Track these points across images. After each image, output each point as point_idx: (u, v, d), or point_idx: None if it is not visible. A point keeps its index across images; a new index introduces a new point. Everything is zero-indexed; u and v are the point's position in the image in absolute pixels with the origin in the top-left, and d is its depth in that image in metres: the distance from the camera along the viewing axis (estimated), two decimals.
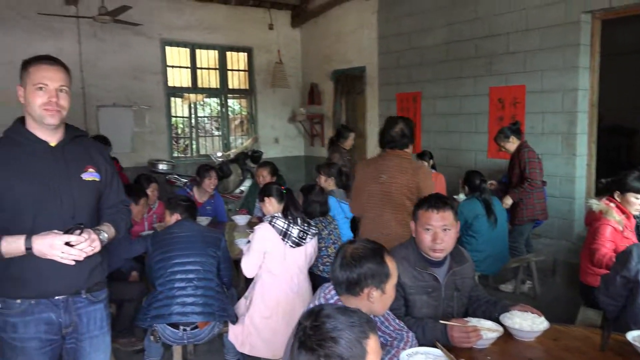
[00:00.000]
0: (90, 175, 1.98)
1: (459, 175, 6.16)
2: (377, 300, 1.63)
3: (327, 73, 8.64)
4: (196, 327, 2.98)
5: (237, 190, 7.64)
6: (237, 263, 3.53)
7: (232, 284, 3.52)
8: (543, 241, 5.43)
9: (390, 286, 1.66)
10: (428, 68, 6.74)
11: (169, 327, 2.96)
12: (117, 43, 7.46)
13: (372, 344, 1.17)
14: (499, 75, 5.87)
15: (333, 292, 1.72)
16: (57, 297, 1.91)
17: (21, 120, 1.95)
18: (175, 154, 8.64)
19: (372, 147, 7.89)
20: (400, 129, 3.16)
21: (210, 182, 4.71)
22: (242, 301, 3.27)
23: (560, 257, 5.21)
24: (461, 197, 5.07)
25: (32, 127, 1.92)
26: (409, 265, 2.16)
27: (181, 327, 2.95)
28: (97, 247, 1.81)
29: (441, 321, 1.97)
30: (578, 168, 5.26)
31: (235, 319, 3.10)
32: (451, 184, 5.79)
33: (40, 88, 1.85)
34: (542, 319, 2.07)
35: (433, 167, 5.79)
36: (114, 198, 2.10)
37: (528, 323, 2.03)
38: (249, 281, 3.41)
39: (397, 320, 1.88)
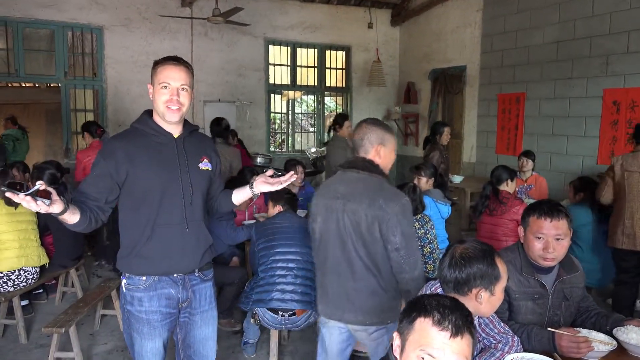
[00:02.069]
0: (205, 165, 2.16)
1: (562, 181, 5.85)
2: (485, 302, 1.63)
3: (425, 72, 8.52)
4: (294, 314, 3.12)
5: None
6: None
7: None
8: None
9: (500, 288, 1.64)
10: (535, 68, 6.43)
11: (269, 312, 3.13)
12: (225, 42, 7.91)
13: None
14: (615, 76, 5.47)
15: (440, 290, 1.74)
16: (176, 275, 2.10)
17: (148, 114, 2.12)
18: (272, 148, 8.99)
19: (469, 148, 7.68)
20: None
21: (297, 178, 4.84)
22: None
23: None
24: (564, 202, 4.80)
25: (158, 120, 2.08)
26: (515, 269, 2.11)
27: (280, 313, 3.11)
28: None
29: (550, 329, 1.91)
30: None
31: None
32: (552, 189, 5.50)
33: (165, 87, 2.00)
34: None
35: (533, 169, 5.54)
36: (219, 187, 2.30)
37: None
38: None
39: (502, 324, 1.86)
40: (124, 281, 2.10)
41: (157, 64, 2.06)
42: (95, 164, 2.01)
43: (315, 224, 2.29)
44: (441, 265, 1.72)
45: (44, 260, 3.96)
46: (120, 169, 1.97)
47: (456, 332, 1.19)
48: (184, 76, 2.03)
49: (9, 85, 9.21)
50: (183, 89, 2.02)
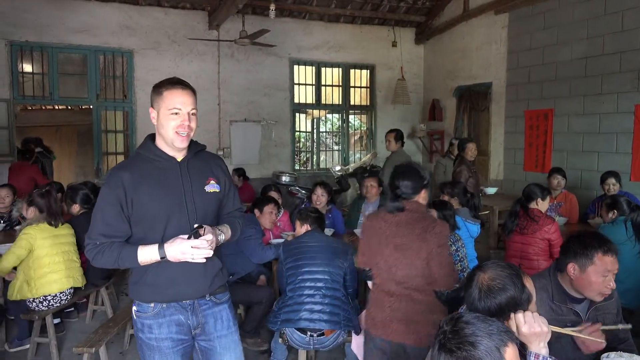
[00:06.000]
0: (211, 187, 2.08)
1: (593, 199, 5.70)
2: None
3: (450, 89, 8.50)
4: (322, 334, 3.10)
5: None
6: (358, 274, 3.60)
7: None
8: None
9: (532, 307, 1.61)
10: (563, 84, 6.34)
11: (297, 332, 3.11)
12: (251, 63, 8.05)
13: (510, 353, 1.23)
14: None
15: None
16: (184, 301, 2.05)
17: (151, 138, 2.07)
18: (297, 167, 9.03)
19: (496, 165, 7.58)
20: None
21: (316, 198, 4.82)
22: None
23: None
24: (596, 221, 4.70)
25: (162, 145, 2.02)
26: (547, 297, 2.05)
27: (308, 333, 3.09)
28: (214, 245, 1.93)
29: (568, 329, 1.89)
30: None
31: (359, 330, 3.17)
32: (583, 207, 5.37)
33: (176, 113, 1.94)
34: None
35: (564, 186, 5.43)
36: (231, 206, 2.21)
37: None
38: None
39: None
40: (134, 308, 2.06)
41: (162, 87, 1.97)
42: (102, 197, 1.96)
43: None
44: (469, 297, 1.64)
45: (84, 280, 3.98)
46: (127, 198, 1.93)
47: None
48: (192, 100, 1.98)
49: (43, 107, 9.52)
50: (193, 113, 1.98)
